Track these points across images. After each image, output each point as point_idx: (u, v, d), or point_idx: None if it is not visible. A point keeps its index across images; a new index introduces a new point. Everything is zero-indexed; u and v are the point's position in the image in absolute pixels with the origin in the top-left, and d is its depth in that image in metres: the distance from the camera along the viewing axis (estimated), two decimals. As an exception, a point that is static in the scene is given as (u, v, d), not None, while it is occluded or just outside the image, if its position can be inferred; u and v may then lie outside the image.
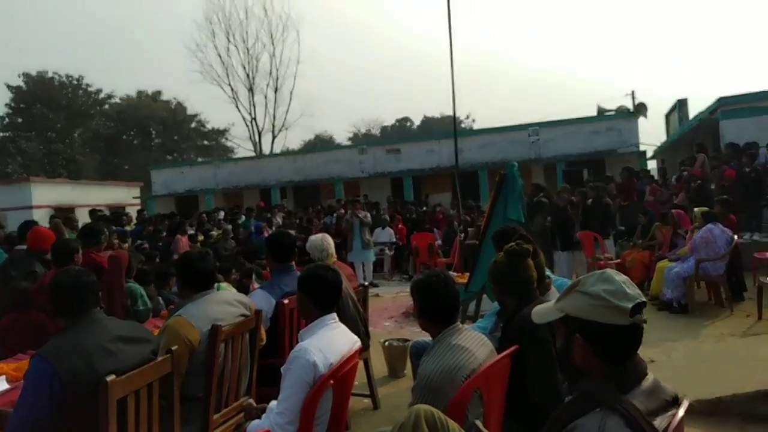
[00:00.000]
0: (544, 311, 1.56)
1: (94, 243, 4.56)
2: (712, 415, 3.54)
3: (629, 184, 10.67)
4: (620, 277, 1.45)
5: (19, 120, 38.33)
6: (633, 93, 22.74)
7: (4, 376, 2.85)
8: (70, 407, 2.10)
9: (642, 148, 18.55)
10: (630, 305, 1.37)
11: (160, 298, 5.14)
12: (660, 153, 20.08)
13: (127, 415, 2.16)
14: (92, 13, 68.72)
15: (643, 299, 1.43)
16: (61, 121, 38.35)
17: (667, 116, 20.81)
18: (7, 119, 38.78)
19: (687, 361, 4.53)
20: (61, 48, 67.05)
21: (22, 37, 66.23)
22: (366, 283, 4.62)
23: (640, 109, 18.99)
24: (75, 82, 40.67)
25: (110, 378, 2.04)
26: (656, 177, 12.26)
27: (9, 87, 38.49)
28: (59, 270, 2.94)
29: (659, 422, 1.33)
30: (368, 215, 10.56)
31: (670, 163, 16.34)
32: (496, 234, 3.75)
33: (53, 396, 2.07)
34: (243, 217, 12.77)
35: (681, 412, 1.40)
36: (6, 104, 38.83)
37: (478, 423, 1.57)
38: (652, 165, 18.91)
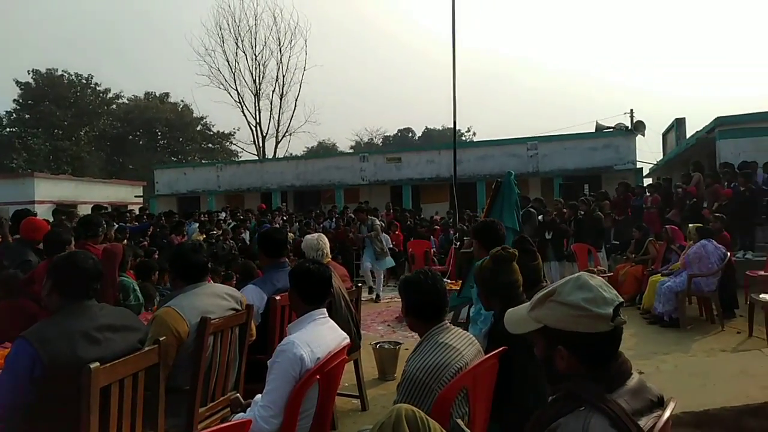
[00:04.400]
0: (519, 321, 1.49)
1: (92, 235, 4.58)
2: (699, 427, 3.54)
3: (624, 199, 10.74)
4: (595, 281, 1.40)
5: (27, 116, 38.26)
6: (632, 111, 22.85)
7: (-9, 362, 2.83)
8: (53, 393, 2.09)
9: (639, 165, 18.67)
10: (610, 310, 1.34)
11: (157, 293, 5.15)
12: (656, 171, 20.16)
13: (109, 403, 2.15)
14: (103, 13, 68.95)
15: (621, 299, 1.39)
16: (68, 119, 38.30)
17: (665, 135, 20.90)
18: (14, 115, 38.75)
19: (676, 374, 4.53)
20: (71, 47, 67.29)
21: (32, 34, 66.57)
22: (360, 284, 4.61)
23: (638, 127, 19.13)
24: (84, 80, 40.74)
25: (94, 365, 2.03)
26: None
27: (18, 83, 38.55)
28: (72, 251, 2.94)
29: (644, 422, 1.30)
30: (375, 221, 9.73)
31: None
32: (480, 228, 3.75)
33: (34, 380, 2.05)
34: (254, 221, 12.92)
35: (667, 413, 1.38)
36: (14, 100, 38.91)
37: (460, 422, 1.56)
38: (648, 182, 19.02)
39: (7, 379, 2.08)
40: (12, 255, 4.33)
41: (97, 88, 41.54)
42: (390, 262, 9.69)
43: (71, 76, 40.12)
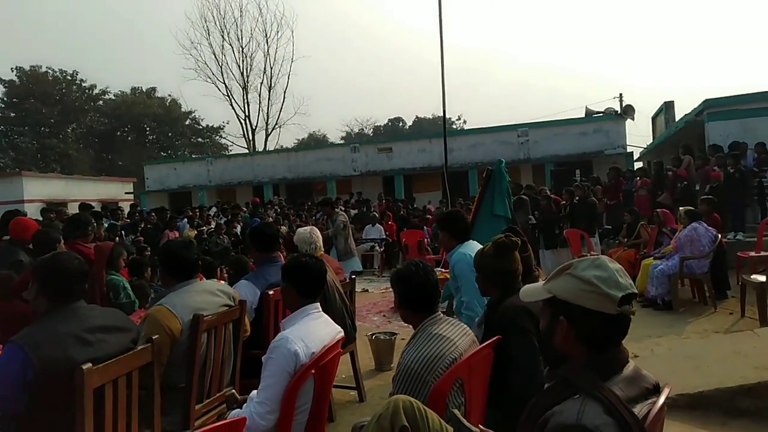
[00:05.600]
0: (532, 290, 1.55)
1: (81, 234, 4.54)
2: (695, 408, 3.56)
3: (616, 184, 10.77)
4: (614, 265, 1.41)
5: (12, 114, 37.90)
6: (621, 96, 22.96)
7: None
8: (45, 396, 2.06)
9: (629, 149, 18.77)
10: (620, 294, 1.34)
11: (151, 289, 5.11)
12: (646, 154, 20.26)
13: (104, 404, 2.14)
14: (87, 9, 68.07)
15: (634, 290, 1.39)
16: (54, 116, 38.03)
17: (654, 118, 20.99)
18: (-1, 113, 38.51)
19: (670, 356, 4.56)
20: (54, 43, 66.42)
21: (12, 31, 65.49)
22: (353, 276, 4.60)
23: (628, 111, 19.19)
24: (69, 77, 40.37)
25: (87, 366, 2.01)
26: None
27: (2, 81, 38.05)
28: (55, 252, 2.89)
29: (639, 409, 1.31)
30: (339, 216, 8.33)
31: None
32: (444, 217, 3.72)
33: (27, 384, 2.03)
34: (247, 215, 12.87)
35: (661, 399, 1.38)
36: (-1, 98, 38.53)
37: (456, 412, 1.56)
38: (638, 166, 19.11)
39: (1, 387, 2.05)
40: (2, 256, 4.27)
41: (83, 85, 41.30)
42: (356, 264, 8.32)
43: (56, 72, 39.81)
